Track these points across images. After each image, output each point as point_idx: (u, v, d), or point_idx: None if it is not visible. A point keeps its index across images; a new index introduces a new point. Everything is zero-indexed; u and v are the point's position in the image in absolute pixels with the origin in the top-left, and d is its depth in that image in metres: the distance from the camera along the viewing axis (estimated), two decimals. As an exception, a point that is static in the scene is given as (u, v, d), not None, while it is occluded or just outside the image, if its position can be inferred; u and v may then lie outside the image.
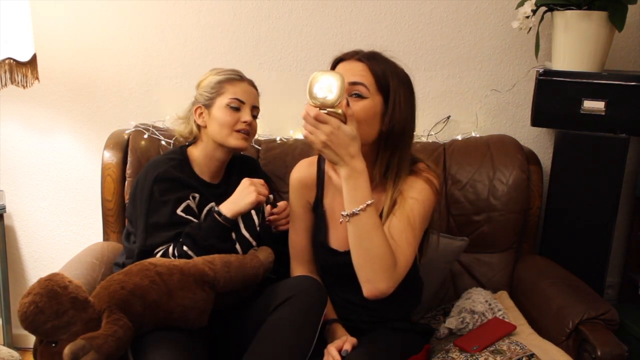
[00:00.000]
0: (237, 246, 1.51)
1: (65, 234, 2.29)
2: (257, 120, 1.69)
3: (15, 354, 1.79)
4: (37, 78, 1.95)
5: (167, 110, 2.06)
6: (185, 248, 1.47)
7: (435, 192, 1.40)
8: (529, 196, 1.94)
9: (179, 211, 1.53)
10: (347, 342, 1.38)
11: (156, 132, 2.00)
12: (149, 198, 1.54)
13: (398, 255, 1.28)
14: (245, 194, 1.51)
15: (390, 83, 1.36)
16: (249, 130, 1.63)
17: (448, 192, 1.96)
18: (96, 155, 2.13)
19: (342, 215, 1.26)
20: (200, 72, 1.71)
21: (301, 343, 1.33)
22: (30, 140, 2.22)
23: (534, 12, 1.82)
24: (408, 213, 1.33)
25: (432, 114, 2.15)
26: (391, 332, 1.50)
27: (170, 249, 1.48)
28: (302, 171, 1.56)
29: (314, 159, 1.56)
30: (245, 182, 1.54)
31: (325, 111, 1.19)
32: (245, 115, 1.62)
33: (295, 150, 2.00)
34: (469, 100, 2.15)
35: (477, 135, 2.09)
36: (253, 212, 1.54)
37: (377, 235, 1.25)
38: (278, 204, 1.67)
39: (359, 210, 1.23)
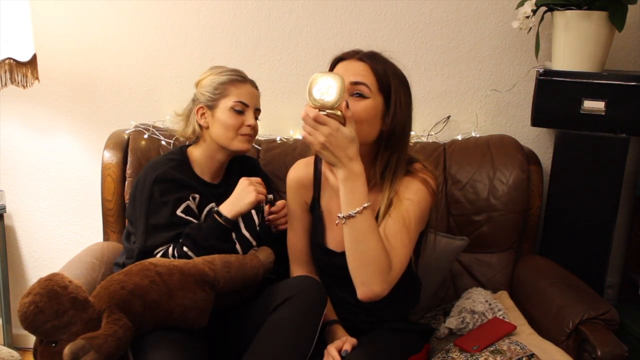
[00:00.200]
0: (238, 246, 1.51)
1: (65, 234, 2.29)
2: (257, 120, 1.69)
3: (15, 354, 1.79)
4: (37, 78, 1.95)
5: (167, 110, 2.06)
6: (185, 249, 1.47)
7: (432, 192, 1.40)
8: (529, 196, 1.94)
9: (178, 212, 1.53)
10: (347, 342, 1.38)
11: (156, 132, 2.00)
12: (148, 199, 1.54)
13: (393, 257, 1.28)
14: (245, 194, 1.51)
15: (392, 83, 1.37)
16: (252, 133, 1.64)
17: (448, 192, 1.96)
18: (96, 155, 2.14)
19: (338, 217, 1.26)
20: (200, 72, 1.71)
21: (301, 343, 1.33)
22: (30, 140, 2.22)
23: (534, 12, 1.82)
24: (403, 214, 1.33)
25: (432, 114, 2.15)
26: (390, 332, 1.50)
27: (170, 249, 1.48)
28: (300, 171, 1.55)
29: (311, 159, 1.56)
30: (244, 182, 1.54)
31: (325, 112, 1.19)
32: (250, 119, 1.62)
33: (295, 151, 2.00)
34: (469, 100, 2.15)
35: (477, 135, 2.09)
36: (253, 211, 1.54)
37: (372, 238, 1.25)
38: (276, 202, 1.67)
39: (355, 213, 1.23)
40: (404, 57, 2.08)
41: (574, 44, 1.83)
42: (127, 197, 1.92)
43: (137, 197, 1.58)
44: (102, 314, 1.27)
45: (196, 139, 1.69)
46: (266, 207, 1.65)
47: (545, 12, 1.88)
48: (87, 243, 1.99)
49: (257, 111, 1.67)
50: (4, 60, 1.85)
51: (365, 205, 1.24)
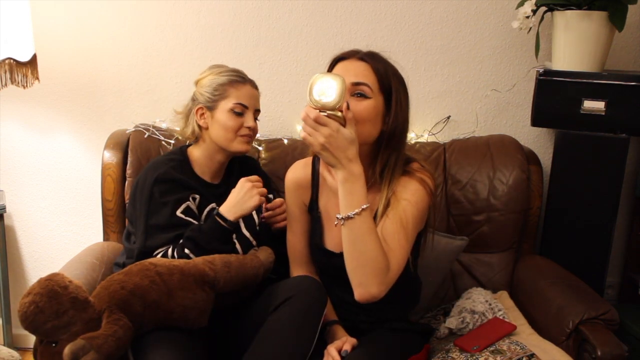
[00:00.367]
0: (238, 246, 1.51)
1: (65, 234, 2.29)
2: (257, 121, 1.69)
3: (15, 354, 1.79)
4: (37, 78, 1.95)
5: (167, 110, 2.05)
6: (187, 251, 1.46)
7: (429, 192, 1.40)
8: (529, 196, 1.94)
9: (178, 213, 1.53)
10: (346, 342, 1.38)
11: (156, 132, 2.00)
12: (148, 199, 1.54)
13: (390, 258, 1.28)
14: (248, 197, 1.51)
15: (392, 83, 1.37)
16: (252, 134, 1.63)
17: (448, 192, 1.96)
18: (96, 155, 2.14)
19: (337, 218, 1.26)
20: (200, 72, 1.70)
21: (301, 343, 1.33)
22: (30, 140, 2.22)
23: (534, 12, 1.82)
24: (401, 215, 1.33)
25: (432, 114, 2.15)
26: (390, 332, 1.50)
27: (170, 250, 1.48)
28: (297, 172, 1.55)
29: (308, 160, 1.56)
30: (245, 184, 1.53)
31: (325, 113, 1.19)
32: (249, 121, 1.61)
33: (296, 151, 2.00)
34: (469, 100, 2.15)
35: (477, 135, 2.09)
36: (253, 211, 1.54)
37: (371, 240, 1.24)
38: (273, 200, 1.67)
39: (354, 214, 1.23)
40: (404, 57, 2.10)
41: (574, 44, 1.83)
42: (127, 197, 1.92)
43: (137, 197, 1.58)
44: (102, 314, 1.27)
45: (196, 139, 1.68)
46: (264, 205, 1.65)
47: (545, 12, 1.88)
48: (87, 243, 1.99)
49: (256, 112, 1.66)
50: (4, 60, 1.85)
51: (364, 206, 1.24)
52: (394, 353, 1.44)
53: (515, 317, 1.69)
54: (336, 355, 1.35)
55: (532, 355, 1.43)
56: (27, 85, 1.92)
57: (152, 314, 1.33)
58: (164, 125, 2.06)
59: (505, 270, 1.93)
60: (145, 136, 1.98)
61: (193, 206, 1.58)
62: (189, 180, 1.60)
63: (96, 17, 2.12)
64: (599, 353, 1.42)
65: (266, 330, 1.35)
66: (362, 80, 1.33)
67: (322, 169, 1.46)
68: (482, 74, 2.13)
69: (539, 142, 2.16)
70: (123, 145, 1.97)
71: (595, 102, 1.80)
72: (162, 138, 1.99)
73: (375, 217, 1.35)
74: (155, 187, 1.54)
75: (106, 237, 1.99)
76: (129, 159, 1.95)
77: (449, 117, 2.14)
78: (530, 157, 1.99)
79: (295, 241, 1.56)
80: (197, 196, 1.59)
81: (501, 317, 1.64)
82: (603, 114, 1.80)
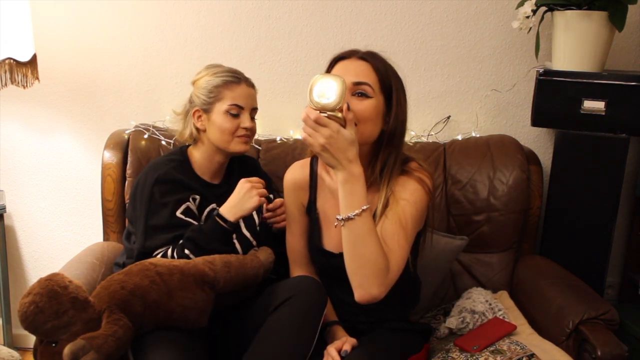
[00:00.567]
0: (238, 246, 1.51)
1: (65, 234, 2.29)
2: (257, 120, 1.68)
3: (15, 354, 1.79)
4: (37, 78, 1.95)
5: (167, 110, 2.05)
6: (187, 251, 1.46)
7: (428, 192, 1.40)
8: (529, 196, 1.94)
9: (178, 213, 1.53)
10: (346, 342, 1.38)
11: (156, 132, 2.00)
12: (148, 200, 1.54)
13: (390, 259, 1.28)
14: (247, 198, 1.51)
15: (392, 82, 1.37)
16: (249, 134, 1.63)
17: (448, 192, 1.96)
18: (96, 155, 2.13)
19: (337, 219, 1.26)
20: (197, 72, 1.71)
21: (301, 343, 1.33)
22: (30, 140, 2.22)
23: (534, 12, 1.82)
24: (400, 215, 1.33)
25: (432, 114, 2.15)
26: (390, 332, 1.50)
27: (169, 251, 1.48)
28: (296, 173, 1.55)
29: (306, 161, 1.56)
30: (245, 185, 1.53)
31: (326, 114, 1.19)
32: (245, 121, 1.61)
33: (295, 151, 2.00)
34: (469, 100, 2.15)
35: (477, 135, 2.09)
36: (254, 212, 1.54)
37: (371, 241, 1.24)
38: (274, 200, 1.66)
39: (354, 215, 1.23)
40: (404, 57, 2.11)
41: (574, 44, 1.83)
42: (127, 197, 1.92)
43: (137, 197, 1.58)
44: (102, 314, 1.28)
45: (194, 141, 1.68)
46: (264, 206, 1.65)
47: (545, 12, 1.88)
48: (87, 243, 1.99)
49: (253, 110, 1.66)
50: (4, 60, 1.85)
51: (364, 207, 1.24)
52: (393, 353, 1.44)
53: (515, 317, 1.69)
54: (336, 355, 1.35)
55: (532, 355, 1.43)
56: (27, 85, 1.92)
57: (152, 314, 1.33)
58: (164, 125, 2.06)
59: (505, 270, 1.93)
60: (145, 136, 1.98)
61: (193, 207, 1.58)
62: (189, 180, 1.60)
63: (96, 17, 2.12)
64: (599, 353, 1.42)
65: (266, 330, 1.35)
66: (363, 79, 1.33)
67: (321, 170, 1.46)
68: (482, 74, 2.13)
69: (539, 142, 2.16)
70: (123, 145, 1.97)
71: (595, 102, 1.80)
72: (162, 138, 1.99)
73: (374, 217, 1.34)
74: (156, 187, 1.54)
75: (106, 237, 1.99)
76: (129, 159, 1.95)
77: (449, 117, 2.14)
78: (530, 157, 1.99)
79: (295, 242, 1.56)
80: (198, 197, 1.59)
81: (501, 317, 1.64)
82: (603, 114, 1.80)
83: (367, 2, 2.09)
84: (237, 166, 1.73)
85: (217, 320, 1.46)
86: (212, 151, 1.64)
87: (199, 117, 1.63)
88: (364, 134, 1.32)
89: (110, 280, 1.36)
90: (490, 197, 1.92)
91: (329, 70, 1.39)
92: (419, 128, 2.12)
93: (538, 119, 1.91)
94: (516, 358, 1.42)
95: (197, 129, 1.65)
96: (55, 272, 1.32)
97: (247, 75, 1.67)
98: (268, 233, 1.65)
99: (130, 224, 1.66)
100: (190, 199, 1.57)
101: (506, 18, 2.07)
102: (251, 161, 1.84)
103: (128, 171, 1.95)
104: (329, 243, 1.49)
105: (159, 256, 1.48)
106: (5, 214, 2.18)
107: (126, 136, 1.99)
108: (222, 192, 1.63)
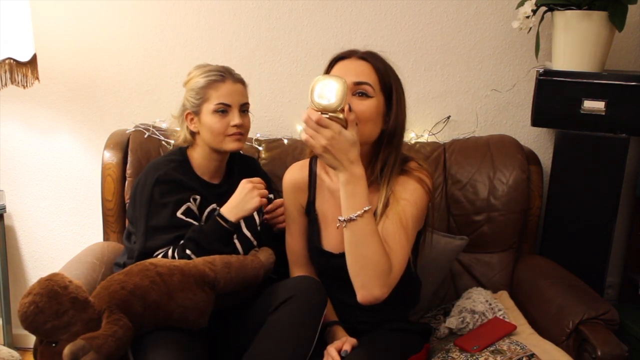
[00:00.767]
0: (239, 246, 1.51)
1: (65, 234, 2.29)
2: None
3: (15, 354, 1.79)
4: (37, 78, 1.95)
5: (167, 110, 2.05)
6: (188, 252, 1.46)
7: (428, 191, 1.40)
8: (529, 196, 1.94)
9: (178, 214, 1.53)
10: (346, 342, 1.38)
11: (156, 132, 2.00)
12: (149, 200, 1.54)
13: (392, 259, 1.28)
14: (248, 199, 1.51)
15: (392, 83, 1.37)
16: (242, 131, 1.62)
17: (448, 192, 1.96)
18: (96, 155, 2.13)
19: (339, 220, 1.26)
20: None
21: (301, 343, 1.33)
22: (30, 140, 2.22)
23: (534, 12, 1.82)
24: (400, 215, 1.33)
25: (432, 114, 2.15)
26: (390, 332, 1.50)
27: (170, 251, 1.48)
28: (295, 174, 1.55)
29: (305, 162, 1.56)
30: (246, 185, 1.53)
31: (327, 116, 1.19)
32: (234, 119, 1.59)
33: (296, 151, 1.99)
34: (469, 100, 2.15)
35: (477, 135, 2.09)
36: (255, 212, 1.54)
37: (373, 241, 1.24)
38: (274, 200, 1.66)
39: (356, 216, 1.23)
40: (404, 57, 2.11)
41: (574, 44, 1.83)
42: (127, 197, 1.92)
43: (138, 198, 1.58)
44: (102, 314, 1.27)
45: (191, 143, 1.68)
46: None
47: (545, 12, 1.88)
48: (87, 243, 1.99)
49: (243, 106, 1.63)
50: (4, 60, 1.85)
51: (366, 208, 1.24)
52: (393, 353, 1.44)
53: (515, 317, 1.69)
54: (336, 355, 1.35)
55: (532, 355, 1.43)
56: (27, 85, 1.92)
57: (152, 314, 1.33)
58: (164, 125, 2.06)
59: (505, 270, 1.93)
60: (145, 136, 1.98)
61: (193, 207, 1.58)
62: (189, 181, 1.60)
63: (96, 17, 2.12)
64: (599, 353, 1.42)
65: (266, 331, 1.35)
66: (364, 79, 1.33)
67: (320, 171, 1.46)
68: (482, 74, 2.13)
69: (539, 142, 2.16)
70: (123, 145, 1.97)
71: (595, 102, 1.80)
72: (162, 138, 1.99)
73: (374, 217, 1.34)
74: (156, 188, 1.54)
75: (106, 237, 1.99)
76: (129, 159, 1.95)
77: (449, 117, 2.14)
78: (530, 157, 1.99)
79: (294, 242, 1.56)
80: (198, 197, 1.59)
81: (501, 317, 1.64)
82: (603, 114, 1.80)
83: (367, 2, 2.09)
84: (238, 166, 1.73)
85: (218, 320, 1.46)
86: (208, 152, 1.64)
87: (192, 119, 1.63)
88: (364, 134, 1.32)
89: (110, 281, 1.36)
90: (490, 197, 1.92)
91: (328, 70, 1.39)
92: (419, 128, 2.12)
93: (538, 119, 1.91)
94: (516, 358, 1.42)
95: (192, 132, 1.65)
96: (55, 272, 1.32)
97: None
98: (269, 233, 1.65)
99: (130, 224, 1.66)
100: (191, 199, 1.57)
101: (506, 18, 2.07)
102: (251, 161, 1.84)
103: (128, 171, 1.95)
104: (329, 243, 1.49)
105: (159, 256, 1.48)
106: (5, 214, 2.18)
107: (126, 136, 1.99)
108: (223, 192, 1.63)
